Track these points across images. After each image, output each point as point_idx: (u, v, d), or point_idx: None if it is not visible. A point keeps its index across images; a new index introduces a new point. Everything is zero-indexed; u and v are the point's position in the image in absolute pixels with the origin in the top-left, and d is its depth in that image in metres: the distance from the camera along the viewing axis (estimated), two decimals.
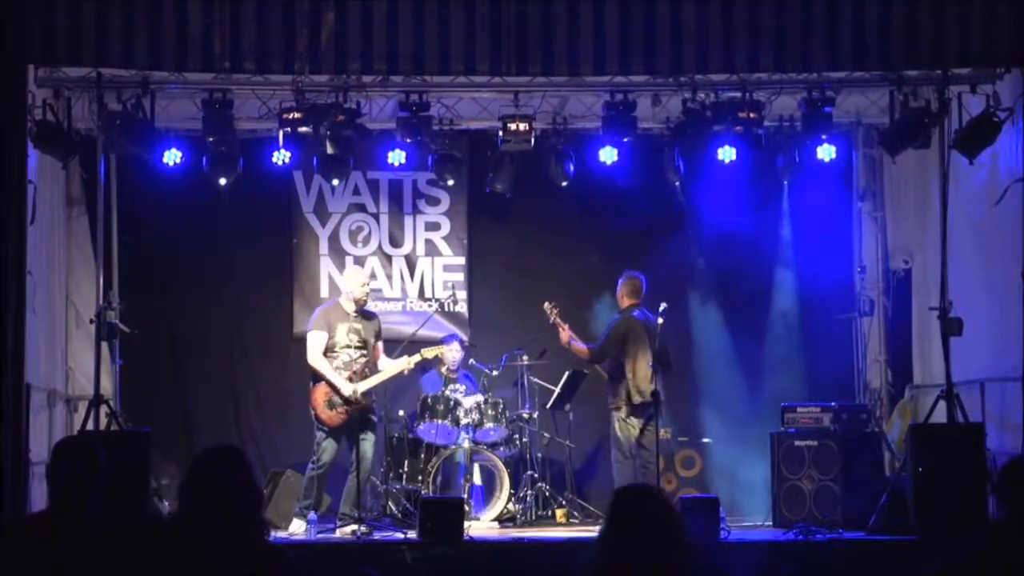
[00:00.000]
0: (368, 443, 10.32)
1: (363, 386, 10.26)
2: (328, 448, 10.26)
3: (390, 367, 10.48)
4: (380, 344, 10.62)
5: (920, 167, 11.17)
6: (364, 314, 10.49)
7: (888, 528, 9.52)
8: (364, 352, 10.37)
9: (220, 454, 4.13)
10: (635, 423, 10.52)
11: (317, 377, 10.28)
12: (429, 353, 10.76)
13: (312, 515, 10.05)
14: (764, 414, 11.49)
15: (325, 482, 10.42)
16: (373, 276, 12.31)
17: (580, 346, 10.84)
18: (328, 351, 10.29)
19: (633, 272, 10.99)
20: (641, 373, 10.36)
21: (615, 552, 3.75)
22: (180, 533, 4.04)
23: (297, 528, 10.14)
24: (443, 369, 11.58)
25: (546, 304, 10.87)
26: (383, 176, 12.41)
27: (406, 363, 10.55)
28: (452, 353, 11.50)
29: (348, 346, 10.32)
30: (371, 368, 10.39)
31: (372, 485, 11.07)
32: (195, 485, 4.06)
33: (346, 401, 10.21)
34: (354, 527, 9.77)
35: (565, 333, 10.83)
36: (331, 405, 10.21)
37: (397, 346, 10.98)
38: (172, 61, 9.37)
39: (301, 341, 12.15)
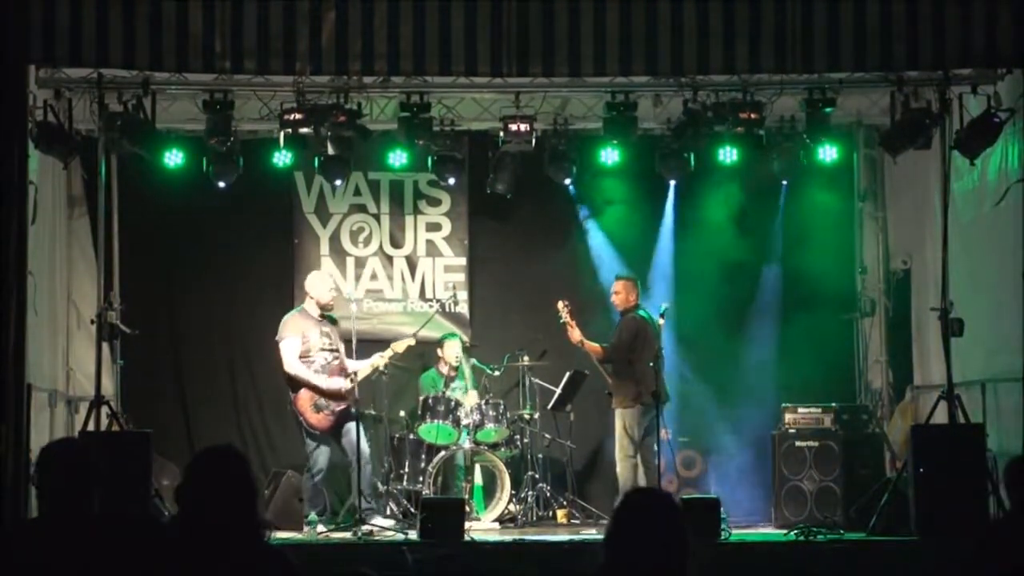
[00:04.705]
0: (358, 434, 10.34)
1: (346, 384, 10.30)
2: (323, 453, 10.27)
3: (364, 366, 10.48)
4: (343, 347, 10.65)
5: (921, 168, 11.16)
6: (329, 319, 10.52)
7: (888, 529, 9.52)
8: (336, 354, 10.39)
9: (216, 455, 4.12)
10: (643, 422, 10.53)
11: (296, 384, 10.27)
12: (399, 347, 10.74)
13: (312, 515, 10.05)
14: (765, 414, 11.50)
15: (327, 486, 10.42)
16: (374, 277, 12.34)
17: (593, 345, 10.83)
18: (303, 356, 10.28)
19: (629, 274, 11.06)
20: (649, 373, 10.36)
21: (620, 552, 3.76)
22: (179, 535, 4.04)
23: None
24: (444, 368, 11.56)
25: (560, 303, 10.85)
26: (384, 177, 12.40)
27: (380, 360, 10.55)
28: (452, 350, 11.48)
29: (323, 349, 10.34)
30: (344, 370, 10.42)
31: (373, 485, 11.07)
32: (192, 487, 4.05)
33: (332, 397, 10.20)
34: (355, 527, 9.78)
35: (576, 332, 10.79)
36: (318, 408, 10.20)
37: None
38: (173, 62, 9.36)
39: None
